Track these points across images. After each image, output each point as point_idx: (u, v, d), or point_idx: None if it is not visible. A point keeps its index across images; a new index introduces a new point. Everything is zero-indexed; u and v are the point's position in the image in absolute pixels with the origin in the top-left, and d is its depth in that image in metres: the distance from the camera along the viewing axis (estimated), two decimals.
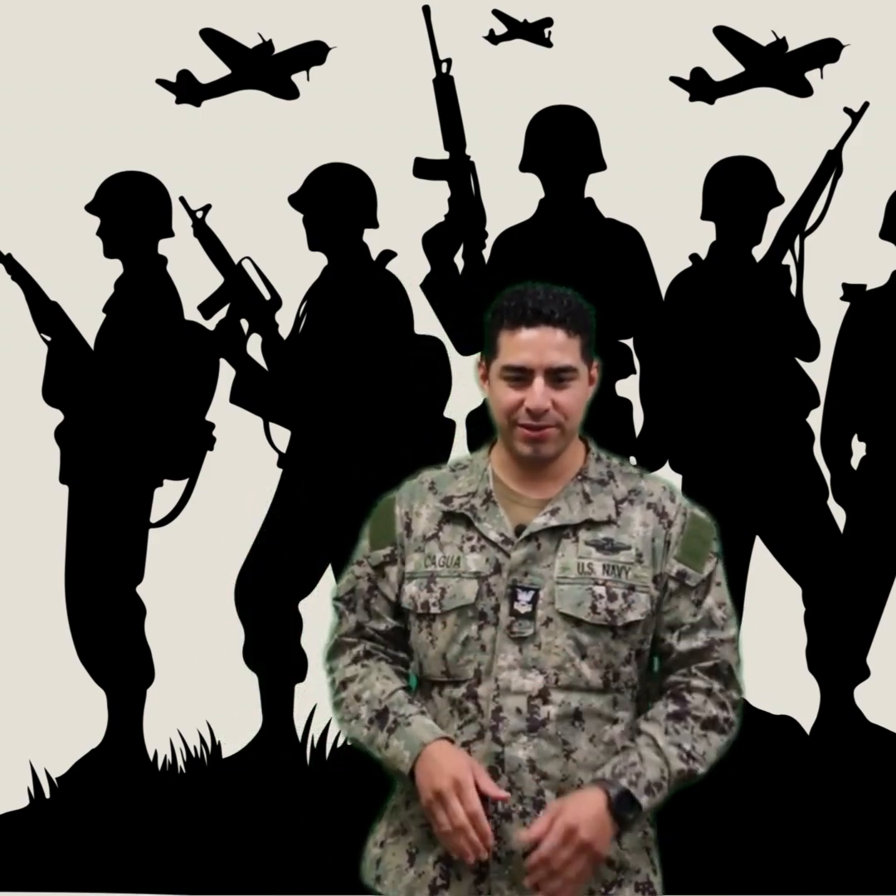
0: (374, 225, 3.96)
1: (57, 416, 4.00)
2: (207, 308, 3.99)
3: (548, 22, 4.05)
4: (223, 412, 3.99)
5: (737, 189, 3.90)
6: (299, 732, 3.93)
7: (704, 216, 3.95)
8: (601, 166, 3.92)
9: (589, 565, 1.98)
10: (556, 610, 1.96)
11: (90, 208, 3.99)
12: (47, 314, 3.98)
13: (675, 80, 4.07)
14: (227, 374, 3.98)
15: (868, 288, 3.93)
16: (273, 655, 3.92)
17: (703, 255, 3.95)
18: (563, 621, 1.96)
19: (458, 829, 1.89)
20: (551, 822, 1.87)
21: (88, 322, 4.00)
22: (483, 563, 1.99)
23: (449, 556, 2.01)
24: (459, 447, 3.82)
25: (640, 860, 2.03)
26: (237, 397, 3.95)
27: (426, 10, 3.88)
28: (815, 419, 3.94)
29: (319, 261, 3.96)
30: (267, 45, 4.11)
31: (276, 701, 3.95)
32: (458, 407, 3.92)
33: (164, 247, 4.03)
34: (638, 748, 1.96)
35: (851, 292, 3.92)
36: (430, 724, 1.97)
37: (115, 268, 4.01)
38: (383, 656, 2.09)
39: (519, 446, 2.00)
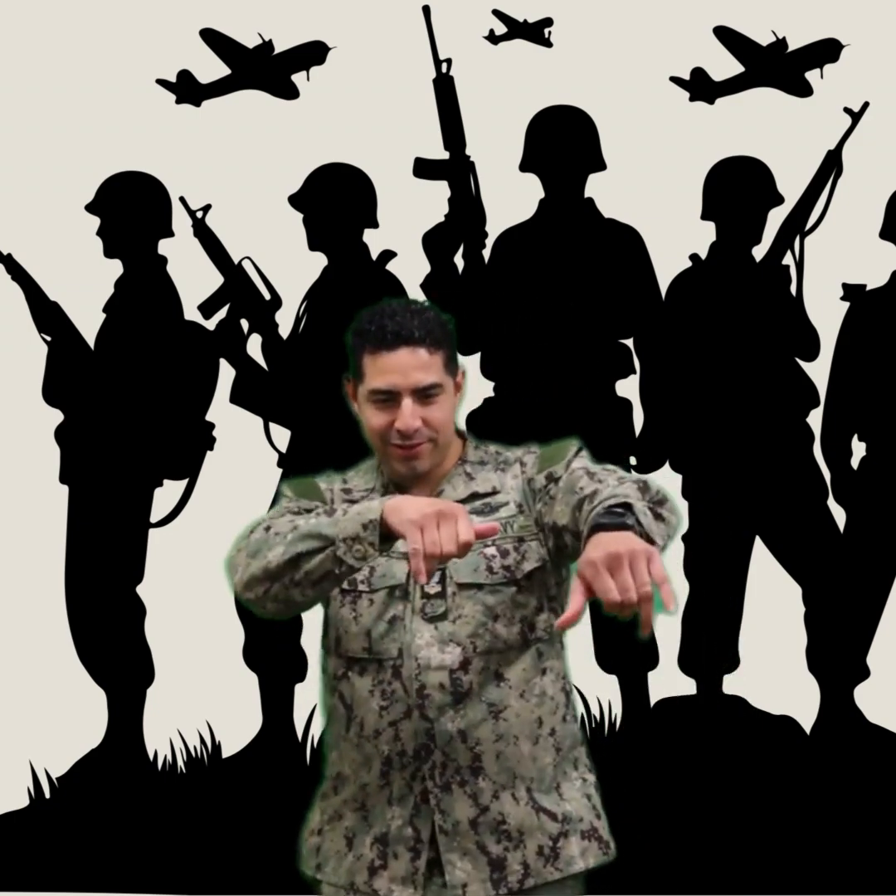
0: (374, 225, 3.96)
1: (57, 416, 4.00)
2: (207, 308, 3.99)
3: (548, 22, 4.05)
4: (223, 412, 3.99)
5: (737, 189, 3.90)
6: (299, 732, 3.93)
7: (704, 216, 3.95)
8: (601, 166, 3.92)
9: None
10: (457, 582, 1.99)
11: (90, 208, 3.99)
12: (47, 314, 3.98)
13: (675, 80, 4.07)
14: (227, 374, 3.98)
15: (868, 288, 3.93)
16: (273, 655, 3.92)
17: (703, 255, 3.95)
18: (466, 590, 2.00)
19: (435, 555, 1.73)
20: (581, 587, 1.66)
21: (88, 322, 4.01)
22: (401, 545, 1.97)
23: None
24: None
25: (582, 808, 2.06)
26: (237, 397, 3.95)
27: (426, 10, 3.88)
28: (815, 419, 3.94)
29: (319, 261, 3.96)
30: (267, 45, 4.11)
31: (276, 701, 3.95)
32: (462, 407, 3.91)
33: (164, 247, 4.03)
34: (583, 510, 1.84)
35: (851, 292, 3.92)
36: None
37: (115, 268, 4.01)
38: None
39: (394, 465, 2.04)
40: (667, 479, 3.93)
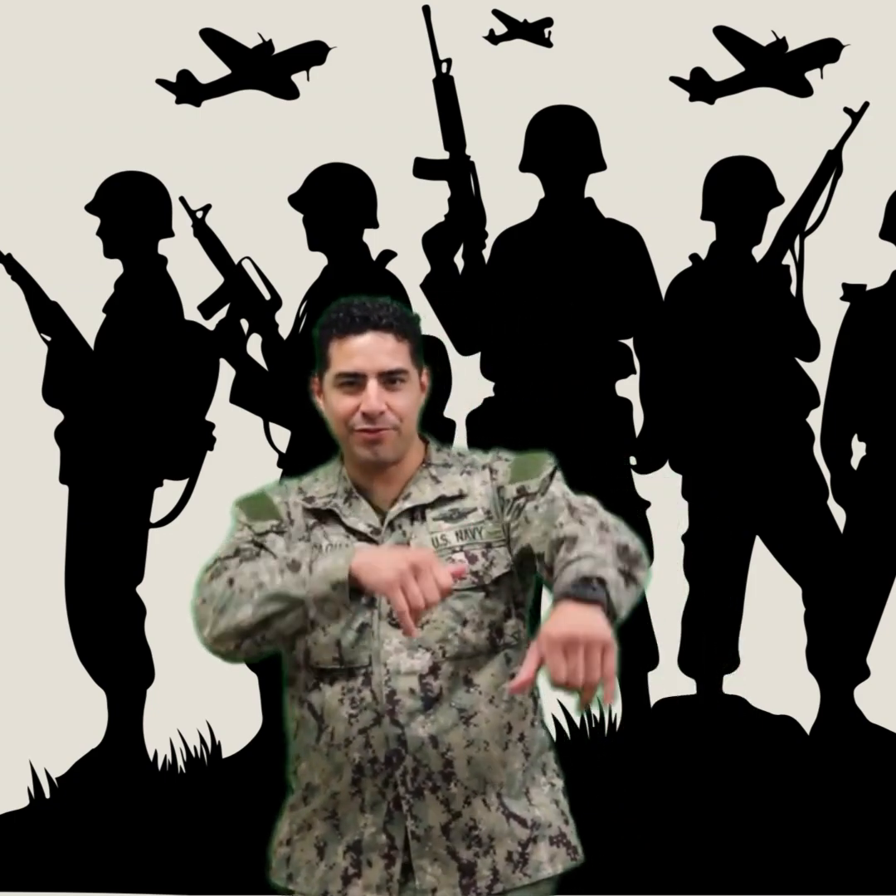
0: (374, 225, 3.96)
1: (57, 416, 4.00)
2: (207, 308, 3.99)
3: (548, 22, 4.05)
4: (223, 412, 3.99)
5: (737, 189, 3.90)
6: None
7: (704, 216, 3.95)
8: (601, 166, 3.92)
9: (442, 537, 2.02)
10: None
11: (90, 208, 3.99)
12: (47, 314, 3.98)
13: (675, 80, 4.07)
14: (227, 374, 3.98)
15: (868, 288, 3.93)
16: (273, 655, 3.92)
17: (703, 255, 3.95)
18: None
19: (420, 608, 1.79)
20: (536, 654, 1.73)
21: (88, 322, 4.01)
22: None
23: (336, 543, 2.03)
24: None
25: (551, 814, 2.07)
26: (237, 397, 3.96)
27: (426, 10, 3.88)
28: (815, 419, 3.94)
29: (319, 261, 3.96)
30: (267, 45, 4.11)
31: (276, 701, 3.94)
32: (458, 407, 3.92)
33: (164, 247, 4.03)
34: (560, 572, 1.83)
35: (851, 292, 3.92)
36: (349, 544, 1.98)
37: (115, 268, 4.01)
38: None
39: (358, 451, 2.03)
40: (667, 479, 3.94)
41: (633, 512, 3.90)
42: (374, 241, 3.95)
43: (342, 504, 2.06)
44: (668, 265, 3.94)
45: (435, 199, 3.91)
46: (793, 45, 4.05)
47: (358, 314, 2.02)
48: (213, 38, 4.11)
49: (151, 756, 3.97)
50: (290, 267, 3.96)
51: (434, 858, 1.99)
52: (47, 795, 3.94)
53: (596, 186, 3.93)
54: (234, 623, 1.91)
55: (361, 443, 2.02)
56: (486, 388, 3.93)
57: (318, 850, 2.04)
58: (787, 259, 3.93)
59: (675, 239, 3.92)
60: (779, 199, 3.93)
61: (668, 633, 3.94)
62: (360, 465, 2.07)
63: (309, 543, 2.04)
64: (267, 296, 3.97)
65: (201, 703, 3.89)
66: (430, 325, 3.88)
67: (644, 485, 3.92)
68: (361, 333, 2.00)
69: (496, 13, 4.05)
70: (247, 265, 3.98)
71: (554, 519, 1.91)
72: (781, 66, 4.04)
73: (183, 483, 4.01)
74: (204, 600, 1.98)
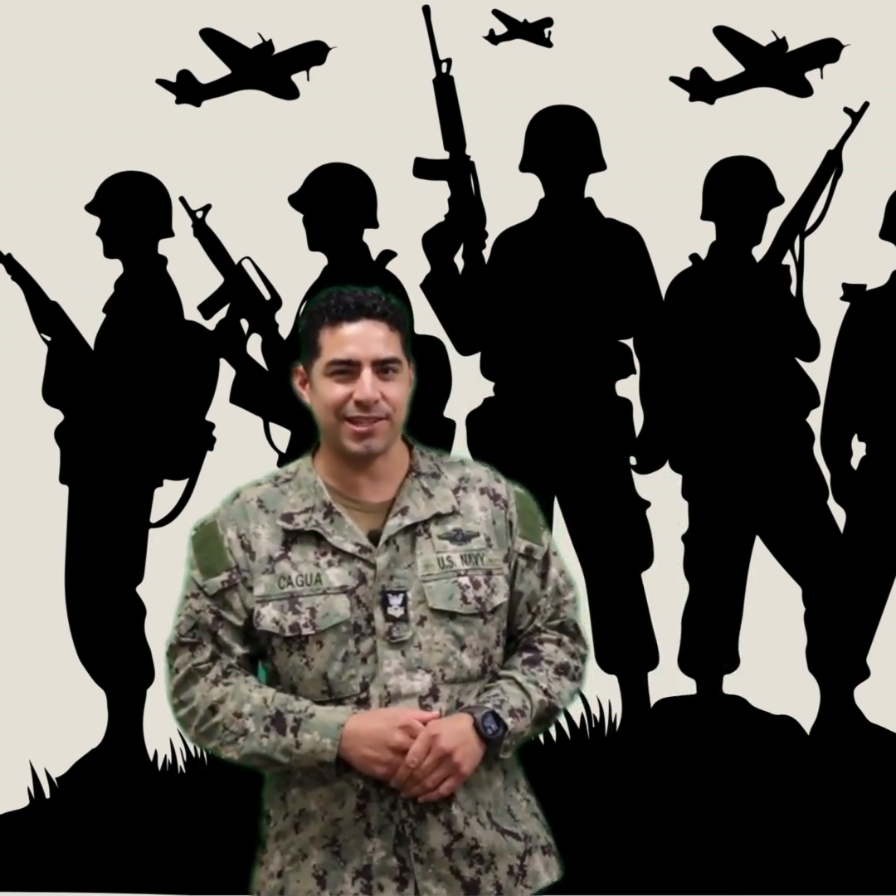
0: (374, 225, 3.96)
1: (57, 416, 4.00)
2: (207, 308, 3.99)
3: (548, 22, 4.04)
4: (223, 412, 3.99)
5: (737, 189, 3.90)
6: None
7: (704, 216, 3.95)
8: (601, 166, 3.92)
9: (448, 559, 2.00)
10: (429, 607, 1.98)
11: (90, 208, 3.98)
12: (47, 314, 3.97)
13: (675, 80, 4.06)
14: (227, 374, 3.98)
15: (868, 288, 3.93)
16: None
17: (703, 255, 3.95)
18: (438, 617, 1.98)
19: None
20: (428, 731, 1.92)
21: (88, 322, 4.00)
22: (346, 577, 1.97)
23: (306, 573, 1.98)
24: (459, 447, 3.82)
25: (535, 827, 2.09)
26: (237, 397, 3.95)
27: (426, 10, 3.88)
28: (815, 419, 3.94)
29: (319, 261, 3.96)
30: (267, 45, 4.10)
31: None
32: (458, 407, 3.92)
33: (164, 247, 4.03)
34: (499, 685, 2.02)
35: (851, 292, 3.92)
36: (331, 710, 1.96)
37: (115, 268, 4.01)
38: (241, 672, 2.02)
39: (348, 444, 1.98)
40: (667, 479, 3.94)
41: (633, 512, 3.91)
42: (374, 241, 3.95)
43: (323, 521, 2.00)
44: (668, 265, 3.93)
45: (435, 199, 3.90)
46: (793, 45, 4.05)
47: (351, 301, 1.98)
48: (213, 38, 4.10)
49: (151, 756, 3.97)
50: (290, 267, 3.96)
51: (438, 879, 1.98)
52: (47, 795, 3.94)
53: (596, 186, 3.93)
54: (221, 755, 2.00)
55: (351, 436, 1.98)
56: (486, 388, 3.93)
57: (318, 880, 1.99)
58: (787, 259, 3.93)
59: (675, 239, 3.92)
60: (779, 199, 3.93)
61: (668, 633, 3.94)
62: (343, 461, 2.02)
63: (274, 576, 1.98)
64: (267, 296, 3.97)
65: None
66: (431, 325, 3.88)
67: (644, 485, 3.92)
68: (355, 321, 1.97)
69: (496, 13, 4.05)
70: (247, 265, 3.98)
71: (537, 611, 2.08)
72: (781, 66, 4.04)
73: (183, 483, 4.01)
74: (182, 703, 2.03)
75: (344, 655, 1.97)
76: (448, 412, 3.90)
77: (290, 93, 4.14)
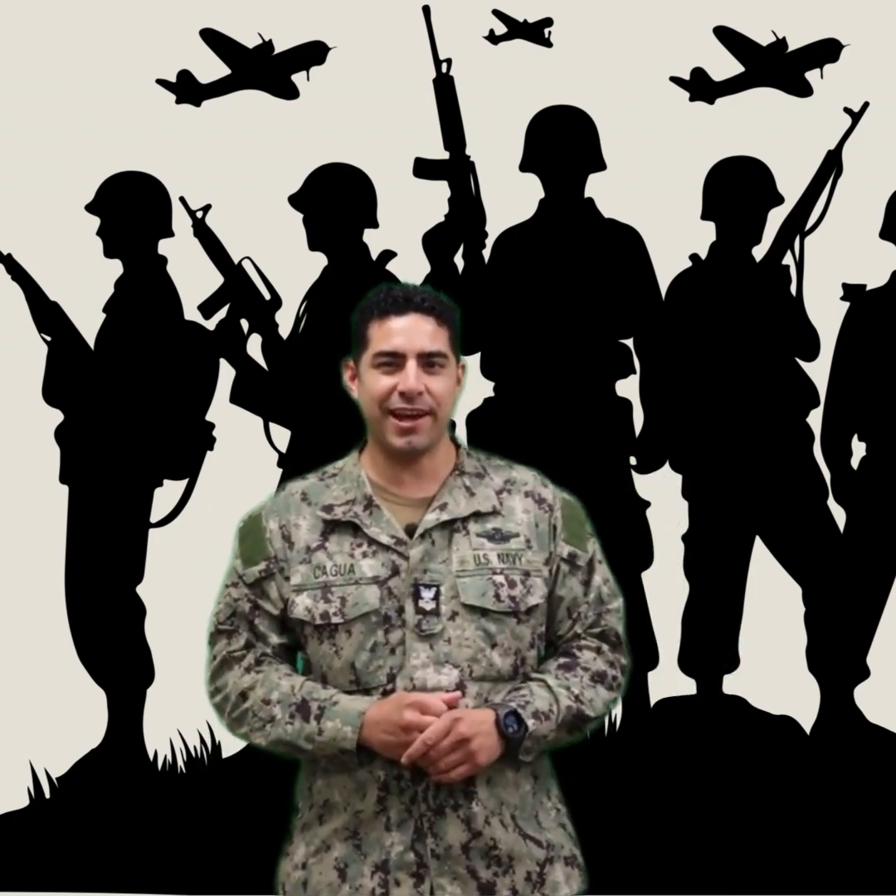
0: (374, 225, 3.96)
1: (57, 416, 4.00)
2: (207, 308, 3.99)
3: (548, 22, 4.05)
4: (223, 412, 3.99)
5: (737, 189, 3.90)
6: None
7: (704, 216, 3.95)
8: (601, 166, 3.92)
9: (484, 556, 2.00)
10: (462, 603, 1.97)
11: (90, 208, 3.99)
12: (47, 314, 3.98)
13: (675, 80, 4.07)
14: (227, 374, 3.98)
15: (868, 288, 3.93)
16: None
17: (703, 255, 3.95)
18: (470, 613, 1.98)
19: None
20: (450, 715, 1.92)
21: (88, 322, 4.00)
22: (379, 568, 1.98)
23: (341, 564, 1.99)
24: None
25: (560, 837, 2.07)
26: (237, 397, 3.95)
27: (426, 10, 3.88)
28: (815, 419, 3.94)
29: (319, 261, 3.96)
30: (267, 45, 4.11)
31: None
32: (459, 407, 3.91)
33: (164, 247, 4.03)
34: (528, 686, 2.01)
35: (851, 292, 3.92)
36: (356, 698, 1.97)
37: (115, 268, 4.01)
38: (274, 661, 2.05)
39: (391, 439, 1.99)
40: (667, 479, 3.94)
41: (633, 512, 3.91)
42: (374, 241, 3.95)
43: (362, 512, 2.01)
44: (668, 265, 3.94)
45: (435, 199, 3.91)
46: (793, 45, 4.05)
47: (400, 295, 2.01)
48: (213, 38, 4.10)
49: (151, 756, 3.97)
50: (290, 267, 3.96)
51: (454, 877, 1.97)
52: (47, 795, 3.94)
53: (596, 186, 3.93)
54: (251, 741, 2.06)
55: (395, 431, 1.99)
56: (486, 388, 3.93)
57: (339, 872, 2.00)
58: (787, 259, 3.93)
59: (675, 239, 3.92)
60: (779, 199, 3.93)
61: (668, 633, 3.94)
62: (388, 457, 2.03)
63: (310, 566, 2.01)
64: (267, 296, 3.97)
65: (201, 703, 3.86)
66: None
67: (644, 485, 3.92)
68: (403, 314, 1.99)
69: (496, 13, 4.05)
70: (247, 265, 3.98)
71: (578, 616, 2.07)
72: (781, 66, 4.04)
73: (183, 483, 4.01)
74: (217, 690, 2.09)
75: (372, 645, 1.97)
76: None
77: (290, 93, 4.14)
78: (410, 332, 1.99)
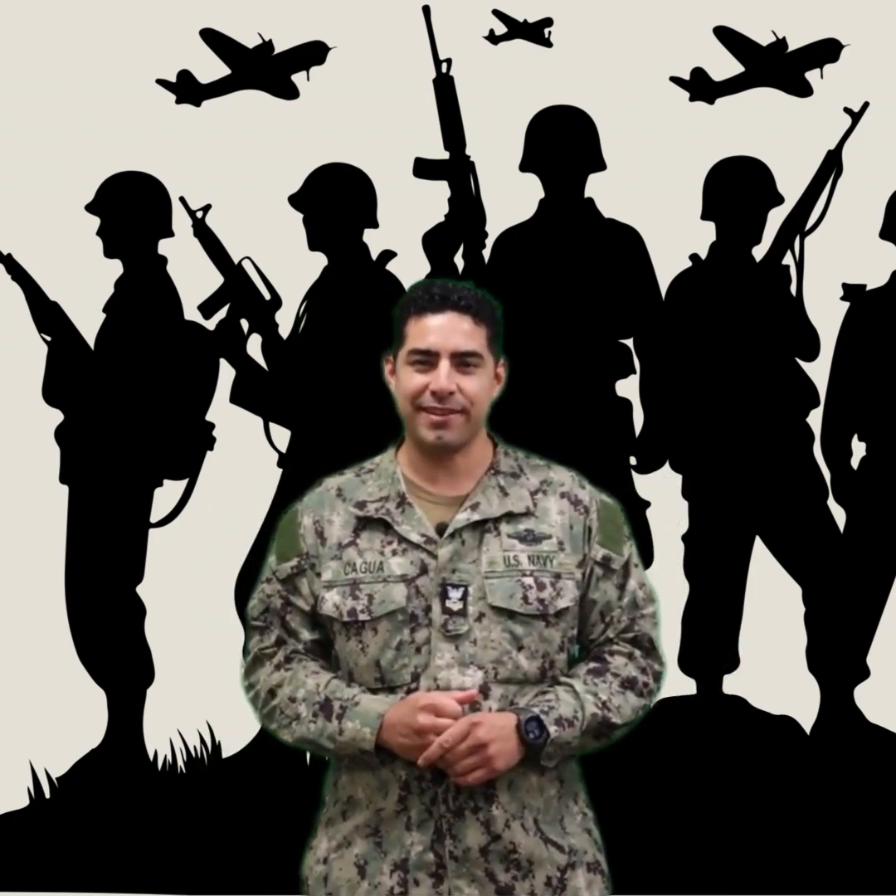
0: (374, 225, 3.96)
1: (57, 416, 4.00)
2: (207, 308, 3.99)
3: (548, 22, 4.05)
4: (223, 412, 3.99)
5: (737, 189, 3.90)
6: None
7: (704, 216, 3.95)
8: (601, 166, 3.92)
9: (515, 557, 1.99)
10: (489, 604, 1.96)
11: (90, 208, 3.99)
12: (47, 314, 3.98)
13: (675, 80, 4.07)
14: (227, 374, 3.98)
15: (868, 288, 3.93)
16: None
17: (703, 255, 3.95)
18: (497, 615, 1.97)
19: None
20: (468, 719, 1.91)
21: (88, 322, 4.01)
22: (408, 566, 1.98)
23: (370, 561, 1.99)
24: None
25: (584, 842, 2.05)
26: (237, 397, 3.95)
27: (426, 10, 3.88)
28: (815, 419, 3.94)
29: (319, 261, 3.96)
30: (267, 45, 4.11)
31: None
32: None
33: (164, 247, 4.03)
34: (555, 691, 1.99)
35: (851, 292, 3.92)
36: (378, 699, 1.97)
37: (115, 268, 4.01)
38: (304, 658, 2.06)
39: (423, 432, 1.99)
40: (667, 479, 3.94)
41: (634, 512, 3.91)
42: (374, 241, 3.95)
43: (394, 510, 2.01)
44: (668, 265, 3.94)
45: (435, 199, 3.91)
46: (793, 45, 4.05)
47: (438, 293, 2.01)
48: (213, 38, 4.11)
49: (151, 756, 3.97)
50: (290, 267, 3.96)
51: (472, 879, 1.96)
52: (47, 795, 3.94)
53: (596, 186, 3.93)
54: (280, 738, 2.04)
55: (427, 424, 1.98)
56: None
57: (359, 869, 1.99)
58: (787, 259, 3.93)
59: (675, 239, 3.92)
60: (779, 199, 3.93)
61: (668, 633, 3.93)
62: (423, 454, 2.03)
63: (341, 562, 2.00)
64: (267, 296, 3.97)
65: (201, 703, 3.89)
66: None
67: (644, 485, 3.92)
68: (439, 312, 1.99)
69: (496, 13, 4.05)
70: (247, 265, 3.98)
71: (610, 620, 2.06)
72: (781, 66, 4.04)
73: (183, 483, 4.01)
74: (251, 686, 2.09)
75: (398, 644, 1.97)
76: None
77: (290, 93, 4.14)
78: (445, 330, 1.99)
